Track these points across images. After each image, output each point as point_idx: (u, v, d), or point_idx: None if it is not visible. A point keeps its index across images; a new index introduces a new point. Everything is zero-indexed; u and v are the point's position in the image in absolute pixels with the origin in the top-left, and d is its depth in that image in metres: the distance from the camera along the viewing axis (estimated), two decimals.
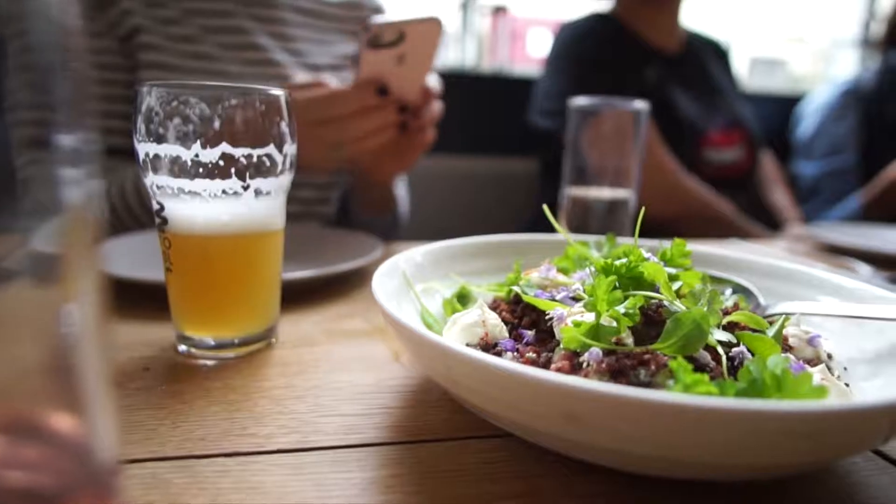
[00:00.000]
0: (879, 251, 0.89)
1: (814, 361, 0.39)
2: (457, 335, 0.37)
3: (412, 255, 0.45)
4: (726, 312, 0.38)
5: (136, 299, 0.55)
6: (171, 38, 0.91)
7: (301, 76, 0.82)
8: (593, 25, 1.38)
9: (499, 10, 2.10)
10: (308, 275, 0.57)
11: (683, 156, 1.28)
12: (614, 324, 0.33)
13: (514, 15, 2.35)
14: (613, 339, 0.33)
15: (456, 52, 2.09)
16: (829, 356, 0.40)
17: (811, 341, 0.39)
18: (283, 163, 0.44)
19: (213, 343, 0.44)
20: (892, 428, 0.24)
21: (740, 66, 3.59)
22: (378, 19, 0.67)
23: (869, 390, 0.36)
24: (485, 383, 0.27)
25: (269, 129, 0.43)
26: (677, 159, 1.27)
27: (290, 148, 0.45)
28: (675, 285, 0.39)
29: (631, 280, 0.37)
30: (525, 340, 0.36)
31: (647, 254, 0.39)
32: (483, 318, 0.37)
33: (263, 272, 0.45)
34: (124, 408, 0.37)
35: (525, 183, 1.68)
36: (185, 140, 0.40)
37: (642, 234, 0.43)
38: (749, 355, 0.33)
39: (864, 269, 0.84)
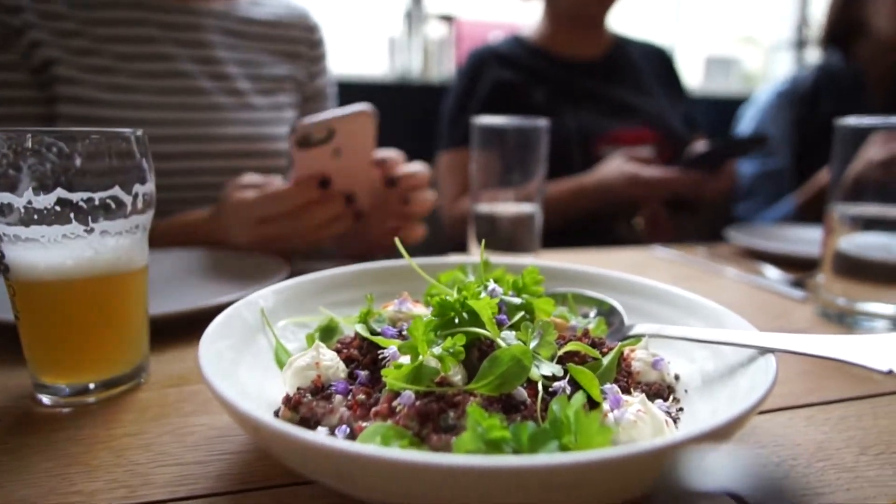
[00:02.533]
0: (788, 254, 0.92)
1: (656, 385, 0.39)
2: (290, 379, 0.36)
3: (266, 293, 0.44)
4: (569, 340, 0.38)
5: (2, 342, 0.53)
6: (87, 70, 0.88)
7: (248, 177, 0.81)
8: (500, 48, 1.43)
9: (445, 19, 2.10)
10: (177, 310, 0.55)
11: (572, 160, 1.32)
12: (437, 364, 0.33)
13: (474, 20, 2.37)
14: (438, 379, 0.33)
15: (402, 61, 2.09)
16: (677, 378, 0.41)
17: (655, 365, 0.40)
18: (134, 203, 0.43)
19: (67, 391, 0.43)
20: (634, 479, 0.24)
21: (695, 65, 3.68)
22: (305, 120, 0.68)
23: (702, 414, 0.37)
24: (273, 444, 0.27)
25: (113, 170, 0.42)
26: (566, 164, 1.30)
27: (143, 188, 0.44)
28: (519, 315, 0.39)
29: (470, 315, 0.37)
30: (358, 381, 0.36)
31: (492, 285, 0.40)
32: (317, 359, 0.36)
33: (120, 313, 0.44)
34: None
35: None
36: (16, 187, 0.39)
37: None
38: (569, 389, 0.33)
39: (773, 272, 0.86)
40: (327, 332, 0.46)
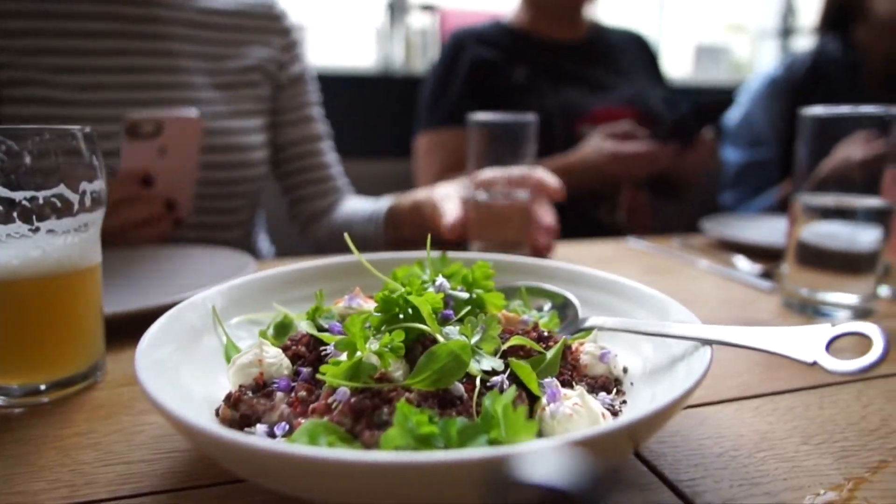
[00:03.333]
0: (762, 245, 0.92)
1: (602, 378, 0.39)
2: (233, 377, 0.36)
3: (217, 292, 0.44)
4: (514, 334, 0.39)
5: None
6: (42, 70, 0.87)
7: None
8: (480, 30, 1.44)
9: (428, 8, 2.09)
10: (135, 308, 0.55)
11: (554, 139, 1.32)
12: (377, 360, 0.33)
13: (458, 9, 2.35)
14: (377, 375, 0.33)
15: (385, 53, 2.07)
16: (626, 370, 0.41)
17: (602, 358, 0.40)
18: (82, 201, 0.43)
19: (18, 391, 0.43)
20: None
21: (684, 55, 3.67)
22: (136, 112, 0.73)
23: (642, 406, 0.37)
24: (197, 443, 0.27)
25: (61, 168, 0.42)
26: (548, 143, 1.30)
27: (92, 185, 0.44)
28: (466, 310, 0.40)
29: (414, 310, 0.37)
30: (301, 378, 0.36)
31: (440, 279, 0.40)
32: (259, 356, 0.36)
33: (70, 313, 0.44)
34: None
35: None
36: None
37: None
38: (507, 384, 0.34)
39: (744, 263, 0.87)
40: (282, 329, 0.46)
